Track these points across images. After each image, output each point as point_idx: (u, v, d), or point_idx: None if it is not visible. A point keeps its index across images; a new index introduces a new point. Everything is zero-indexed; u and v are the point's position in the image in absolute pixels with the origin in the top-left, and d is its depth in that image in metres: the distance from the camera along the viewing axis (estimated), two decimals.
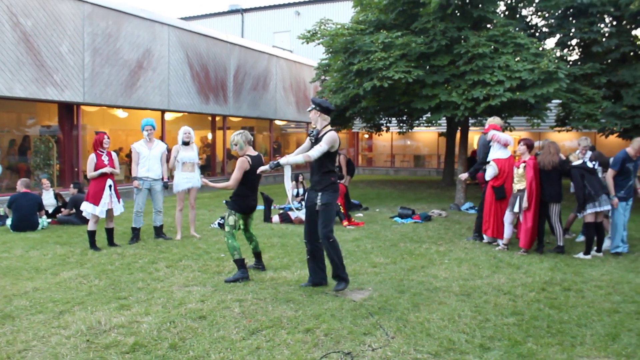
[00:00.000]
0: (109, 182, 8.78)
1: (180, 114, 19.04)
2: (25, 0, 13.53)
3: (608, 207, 8.41)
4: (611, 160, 8.87)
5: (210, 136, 21.46)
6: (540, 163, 8.66)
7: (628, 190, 8.69)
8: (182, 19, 26.92)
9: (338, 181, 6.32)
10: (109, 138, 9.01)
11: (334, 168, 6.30)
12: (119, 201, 8.99)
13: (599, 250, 8.61)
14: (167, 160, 9.80)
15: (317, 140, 6.18)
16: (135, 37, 16.58)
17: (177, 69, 18.37)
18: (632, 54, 16.91)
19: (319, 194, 6.16)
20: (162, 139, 17.04)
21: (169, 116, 18.51)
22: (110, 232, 9.05)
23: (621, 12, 15.94)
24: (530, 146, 8.94)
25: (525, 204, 8.53)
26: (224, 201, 14.65)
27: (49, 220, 11.44)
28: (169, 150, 9.94)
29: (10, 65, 13.16)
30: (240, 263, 6.71)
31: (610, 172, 8.60)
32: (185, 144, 9.79)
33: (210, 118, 20.97)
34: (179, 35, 18.45)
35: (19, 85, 13.37)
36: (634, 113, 15.16)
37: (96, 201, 8.64)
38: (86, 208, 8.69)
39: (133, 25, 16.54)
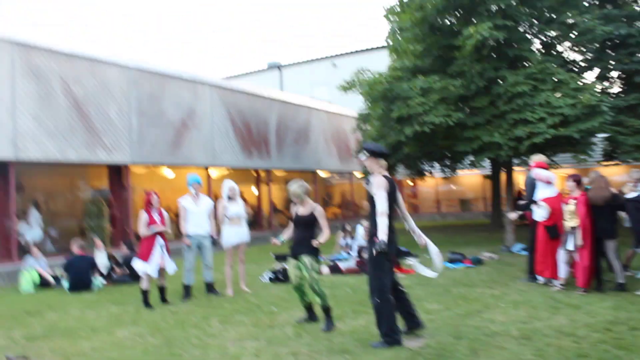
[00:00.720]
0: (160, 240, 8.94)
1: (225, 170, 19.38)
2: (77, 69, 14.19)
3: None
4: None
5: (255, 191, 21.68)
6: (591, 199, 8.44)
7: None
8: (224, 78, 27.66)
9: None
10: (158, 196, 9.20)
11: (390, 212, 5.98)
12: (170, 259, 9.13)
13: None
14: (215, 216, 9.91)
15: (371, 186, 6.12)
16: (178, 98, 17.12)
17: (220, 126, 18.80)
18: None
19: (371, 242, 6.00)
20: (208, 194, 17.31)
21: (214, 172, 18.87)
22: (162, 290, 9.16)
23: None
24: (579, 182, 8.74)
25: (580, 242, 8.29)
26: (273, 254, 14.71)
27: (104, 281, 11.64)
28: (214, 206, 10.06)
29: (63, 131, 13.72)
30: (329, 311, 6.87)
31: None
32: (231, 198, 9.90)
33: (254, 172, 21.27)
34: (220, 93, 18.95)
35: (71, 150, 13.89)
36: None
37: (148, 259, 8.80)
38: (138, 266, 8.87)
39: (176, 86, 17.11)
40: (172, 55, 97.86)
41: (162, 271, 9.02)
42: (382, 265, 5.92)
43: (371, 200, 6.01)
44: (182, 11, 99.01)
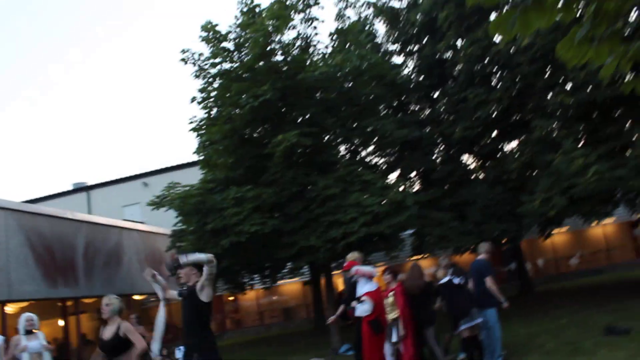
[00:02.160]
0: None
1: (26, 303, 17.27)
2: None
3: (481, 319, 8.46)
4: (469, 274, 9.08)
5: (62, 323, 19.55)
6: (407, 288, 8.65)
7: None
8: (26, 202, 25.55)
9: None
10: None
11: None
12: None
13: None
14: (6, 354, 8.57)
15: (191, 294, 5.72)
16: None
17: (18, 253, 16.90)
18: (465, 176, 18.47)
19: (196, 354, 5.49)
20: (3, 334, 15.18)
21: (10, 308, 16.70)
22: None
23: (448, 142, 17.59)
24: (395, 274, 8.95)
25: (402, 332, 8.35)
26: None
27: None
28: (7, 342, 8.75)
29: None
30: None
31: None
32: (29, 332, 8.69)
33: (60, 303, 19.23)
34: (16, 217, 17.21)
35: None
36: (480, 228, 16.19)
37: None
38: None
39: None
40: None
41: None
42: None
43: (193, 310, 5.60)
44: None
